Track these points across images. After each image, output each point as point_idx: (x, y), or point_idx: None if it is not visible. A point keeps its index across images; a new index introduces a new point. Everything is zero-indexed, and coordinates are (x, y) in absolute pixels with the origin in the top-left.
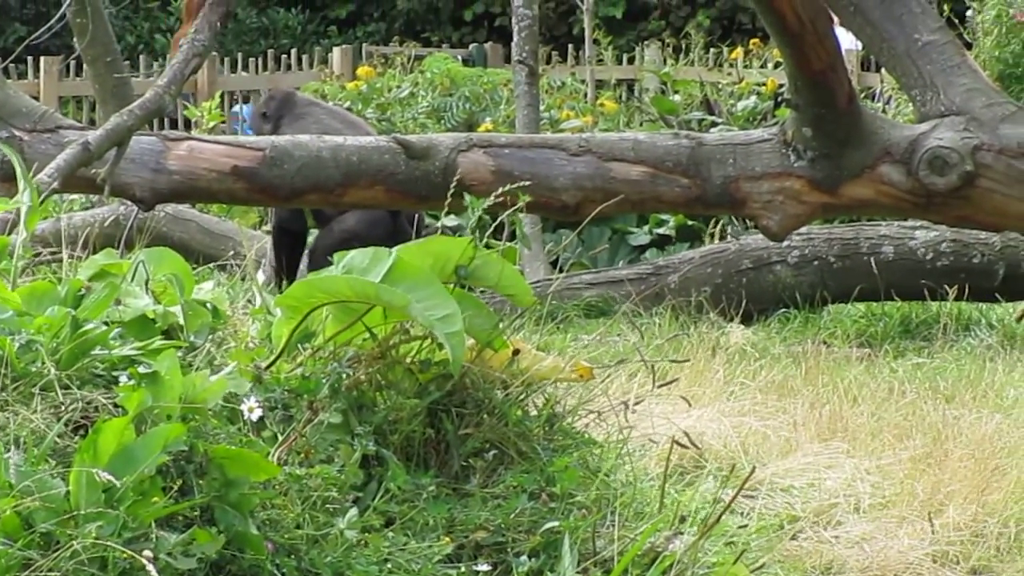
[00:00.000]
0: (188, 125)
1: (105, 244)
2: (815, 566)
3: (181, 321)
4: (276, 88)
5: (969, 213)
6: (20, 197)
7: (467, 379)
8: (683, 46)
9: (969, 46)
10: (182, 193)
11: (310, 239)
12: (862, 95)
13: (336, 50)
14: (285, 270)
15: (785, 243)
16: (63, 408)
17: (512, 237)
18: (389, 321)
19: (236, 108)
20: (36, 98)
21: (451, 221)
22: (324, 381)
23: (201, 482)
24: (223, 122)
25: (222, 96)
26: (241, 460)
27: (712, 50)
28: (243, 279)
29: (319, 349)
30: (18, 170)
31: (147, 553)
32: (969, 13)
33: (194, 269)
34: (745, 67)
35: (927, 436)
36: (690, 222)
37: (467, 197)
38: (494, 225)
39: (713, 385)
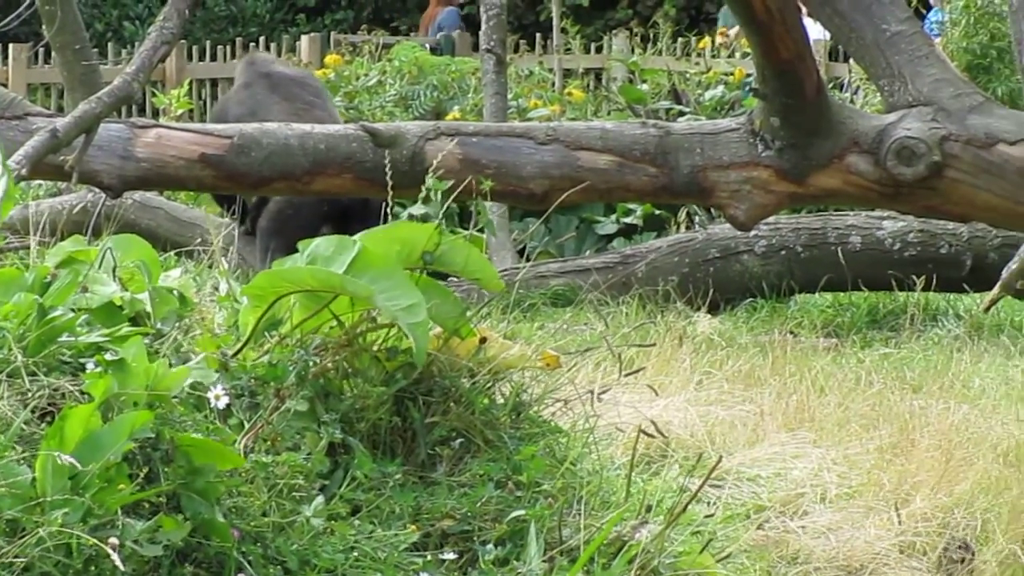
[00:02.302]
0: (156, 113)
1: (73, 231)
2: (781, 556)
3: (148, 308)
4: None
5: (937, 203)
6: None
7: (434, 367)
8: (651, 35)
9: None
10: (150, 180)
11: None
12: (830, 85)
13: (304, 38)
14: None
15: (752, 233)
16: (29, 395)
17: (482, 229)
18: (356, 309)
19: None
20: (4, 85)
21: (418, 209)
22: (291, 369)
23: (167, 470)
24: (191, 110)
25: (190, 84)
26: (207, 448)
27: (680, 39)
28: (210, 266)
29: (286, 337)
30: None
31: (113, 540)
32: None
33: (161, 256)
34: (713, 56)
35: (894, 426)
36: (658, 211)
37: (429, 180)
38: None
39: (680, 374)
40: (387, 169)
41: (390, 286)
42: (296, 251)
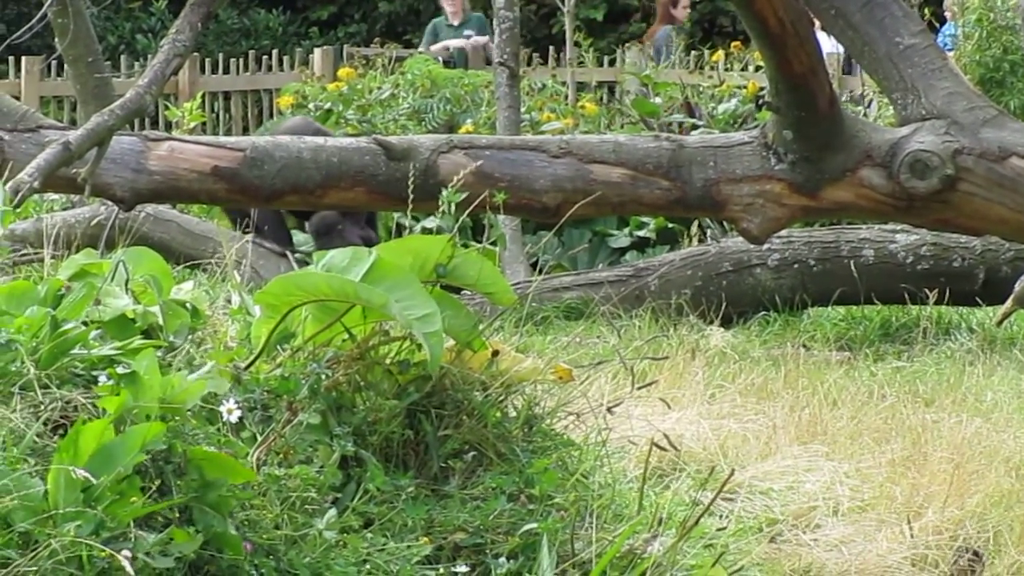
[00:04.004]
0: (169, 126)
1: (87, 244)
2: (794, 569)
3: (161, 321)
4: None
5: (949, 217)
6: None
7: (446, 380)
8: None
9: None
10: (162, 193)
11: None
12: (843, 98)
13: (317, 51)
14: None
15: (765, 246)
16: (42, 407)
17: (495, 243)
18: (368, 321)
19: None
20: (17, 98)
21: (432, 222)
22: (303, 382)
23: (180, 482)
24: (203, 123)
25: (203, 97)
26: (219, 462)
27: (693, 52)
28: (223, 279)
29: (298, 350)
30: None
31: (125, 553)
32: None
33: (175, 269)
34: (726, 70)
35: (906, 440)
36: (670, 225)
37: (443, 192)
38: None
39: (693, 388)
40: (410, 182)
41: (406, 295)
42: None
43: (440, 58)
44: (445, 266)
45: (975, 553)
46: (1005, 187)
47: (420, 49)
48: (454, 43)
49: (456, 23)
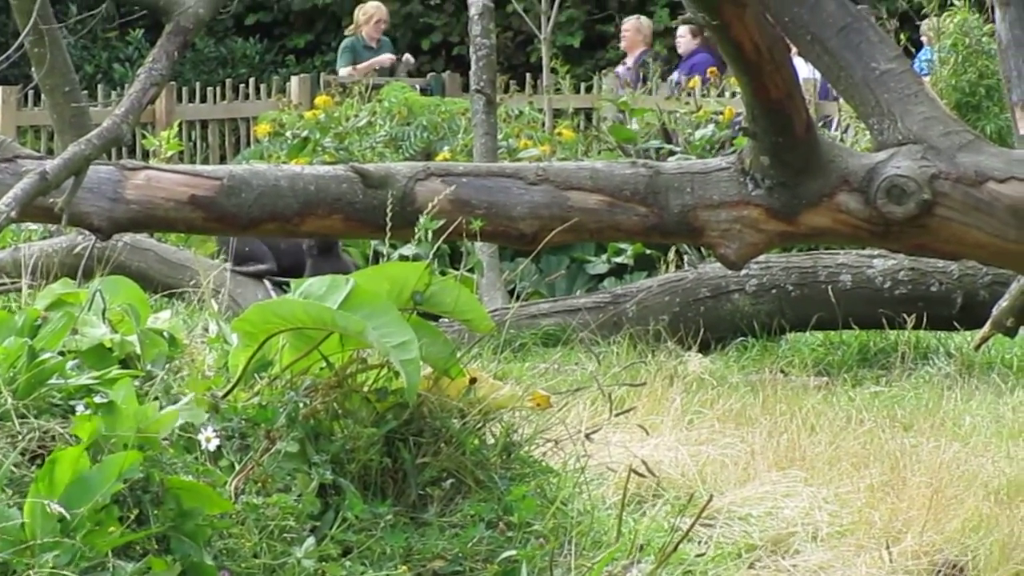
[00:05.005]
0: (146, 155)
1: (65, 274)
2: None
3: (138, 350)
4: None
5: (927, 241)
6: None
7: (424, 408)
8: (641, 75)
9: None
10: (140, 222)
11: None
12: (820, 124)
13: (294, 79)
14: None
15: (743, 272)
16: (19, 437)
17: (472, 270)
18: (346, 350)
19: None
20: None
21: (408, 249)
22: (281, 410)
23: (157, 512)
24: (181, 152)
25: (180, 125)
26: (197, 491)
27: (669, 78)
28: (201, 308)
29: (276, 378)
30: None
31: None
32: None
33: (153, 298)
34: (703, 96)
35: (885, 464)
36: (648, 251)
37: (420, 219)
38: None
39: (671, 414)
40: (387, 209)
41: (383, 323)
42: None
43: (417, 86)
44: (422, 293)
45: (959, 568)
46: (982, 211)
47: (340, 68)
48: (381, 60)
49: (375, 46)
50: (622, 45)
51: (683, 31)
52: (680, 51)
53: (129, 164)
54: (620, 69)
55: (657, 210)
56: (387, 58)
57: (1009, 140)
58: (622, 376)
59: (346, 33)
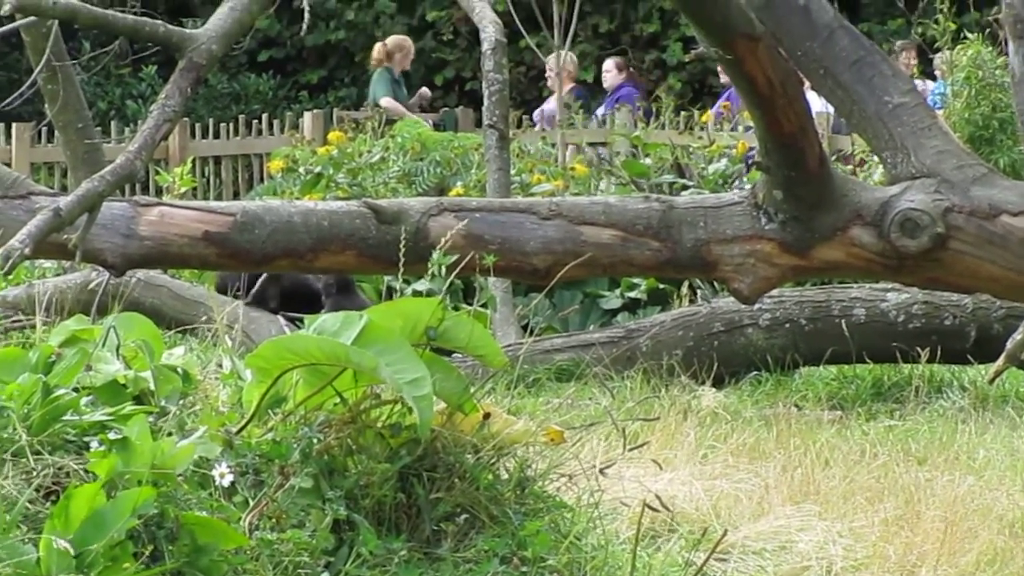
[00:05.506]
0: (159, 191)
1: (79, 310)
2: None
3: (152, 386)
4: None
5: (940, 275)
6: None
7: (438, 443)
8: (654, 109)
9: None
10: (154, 259)
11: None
12: (833, 158)
13: (307, 115)
14: None
15: (756, 306)
16: (34, 474)
17: (485, 305)
18: (360, 385)
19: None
20: (8, 164)
21: (422, 285)
22: (295, 446)
23: (172, 547)
24: (194, 188)
25: (193, 162)
26: (211, 527)
27: (683, 113)
28: (215, 344)
29: (290, 414)
30: None
31: None
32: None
33: (166, 334)
34: (716, 130)
35: (899, 498)
36: (661, 285)
37: (433, 254)
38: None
39: (685, 448)
40: (400, 244)
41: (396, 359)
42: None
43: (430, 121)
44: (436, 329)
45: None
46: (996, 245)
47: (381, 98)
48: (423, 92)
49: (399, 77)
50: (549, 83)
51: (609, 65)
52: (606, 85)
53: (143, 200)
54: (546, 107)
55: (670, 244)
56: (426, 90)
57: (1022, 173)
58: (636, 411)
59: (374, 65)
